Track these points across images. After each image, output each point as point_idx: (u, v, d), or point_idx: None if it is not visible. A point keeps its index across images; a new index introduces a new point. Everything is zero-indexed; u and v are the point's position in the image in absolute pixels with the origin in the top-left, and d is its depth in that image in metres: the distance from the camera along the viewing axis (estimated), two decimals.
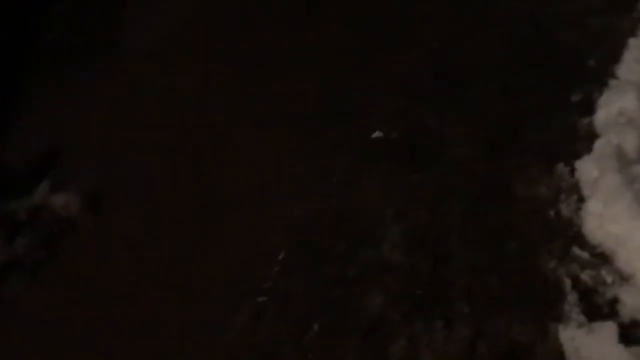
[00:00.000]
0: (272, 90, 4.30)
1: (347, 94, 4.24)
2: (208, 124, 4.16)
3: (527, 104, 4.03)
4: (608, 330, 3.11)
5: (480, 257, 3.48)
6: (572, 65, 4.17)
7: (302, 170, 3.93)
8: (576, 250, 3.43)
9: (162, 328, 3.46)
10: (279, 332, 3.37)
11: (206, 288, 3.60)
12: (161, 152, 4.06)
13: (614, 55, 4.07)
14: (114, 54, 4.47)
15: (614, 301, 3.26)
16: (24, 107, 4.32)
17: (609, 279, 3.32)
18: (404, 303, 3.34)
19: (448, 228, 3.60)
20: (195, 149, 4.06)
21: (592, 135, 3.78)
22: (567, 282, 3.33)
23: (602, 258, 3.39)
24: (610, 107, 3.80)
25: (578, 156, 3.71)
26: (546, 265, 3.42)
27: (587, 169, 3.60)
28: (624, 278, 3.30)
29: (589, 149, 3.71)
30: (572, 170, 3.68)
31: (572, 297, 3.29)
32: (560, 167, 3.71)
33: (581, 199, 3.58)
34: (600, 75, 4.03)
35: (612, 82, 3.93)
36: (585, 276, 3.35)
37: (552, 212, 3.58)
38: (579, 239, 3.47)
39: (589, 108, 3.92)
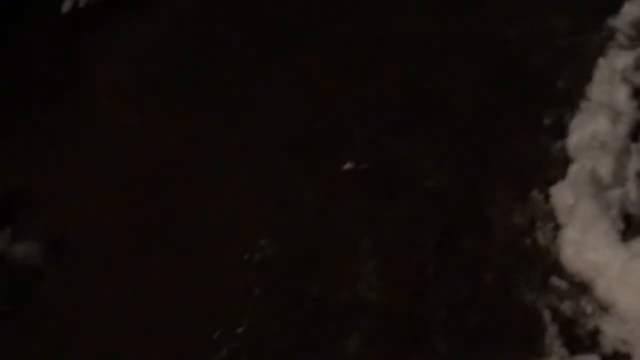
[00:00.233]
0: (238, 123, 4.21)
1: (315, 123, 4.15)
2: (174, 161, 4.05)
3: (498, 129, 3.97)
4: None
5: (457, 292, 3.41)
6: (543, 86, 4.12)
7: (271, 205, 3.83)
8: (555, 280, 3.37)
9: None
10: None
11: (176, 332, 3.49)
12: (126, 192, 3.95)
13: (584, 76, 4.02)
14: (74, 93, 4.34)
15: (595, 332, 3.20)
16: None
17: (589, 309, 3.25)
18: (382, 344, 3.25)
19: (423, 262, 3.53)
20: (160, 187, 3.95)
21: (565, 160, 3.72)
22: (547, 314, 3.27)
23: (582, 287, 3.32)
24: (582, 131, 3.74)
25: (552, 182, 3.65)
26: (525, 298, 3.35)
27: (562, 195, 3.54)
28: (604, 308, 3.24)
29: (563, 175, 3.65)
30: (547, 197, 3.61)
31: (552, 329, 3.22)
32: (535, 194, 3.64)
33: (557, 227, 3.51)
34: (571, 97, 3.98)
35: (584, 104, 3.88)
36: (565, 307, 3.28)
37: (528, 241, 3.52)
38: (557, 268, 3.41)
39: (561, 131, 3.86)
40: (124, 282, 3.65)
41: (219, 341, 3.40)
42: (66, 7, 4.54)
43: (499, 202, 3.67)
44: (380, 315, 3.33)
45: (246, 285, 3.54)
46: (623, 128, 3.70)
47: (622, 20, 4.23)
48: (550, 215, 3.56)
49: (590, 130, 3.71)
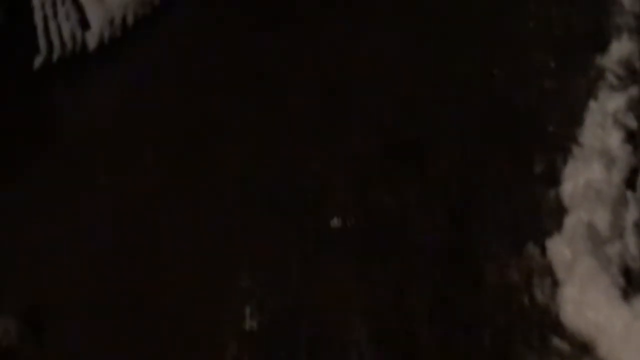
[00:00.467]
0: (218, 179, 4.02)
1: (299, 177, 3.98)
2: (150, 231, 3.80)
3: (488, 177, 3.83)
4: None
5: (452, 355, 3.25)
6: (532, 130, 4.00)
7: (254, 268, 3.66)
8: (555, 341, 3.22)
9: None
10: None
11: None
12: (105, 259, 3.75)
13: (575, 120, 3.91)
14: (49, 149, 4.14)
15: None
16: None
17: None
18: None
19: (416, 322, 3.37)
20: (136, 256, 3.73)
21: (560, 210, 3.60)
22: None
23: (583, 348, 3.18)
24: (576, 179, 3.62)
25: (548, 234, 3.52)
26: (525, 359, 3.20)
27: (559, 249, 3.41)
28: None
29: (558, 226, 3.52)
30: (544, 251, 3.48)
31: None
32: (531, 247, 3.51)
33: (556, 283, 3.38)
34: (562, 142, 3.86)
35: (576, 150, 3.76)
36: None
37: (526, 299, 3.38)
38: (557, 327, 3.27)
39: (553, 179, 3.74)
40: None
41: None
42: (38, 62, 4.37)
43: (494, 256, 3.53)
44: None
45: (232, 356, 3.37)
46: (618, 175, 3.58)
47: (610, 59, 4.13)
48: (547, 270, 3.43)
49: (584, 179, 3.58)
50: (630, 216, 3.46)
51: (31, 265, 3.68)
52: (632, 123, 3.80)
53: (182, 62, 4.65)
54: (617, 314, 3.14)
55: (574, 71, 4.13)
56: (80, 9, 4.52)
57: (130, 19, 4.59)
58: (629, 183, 3.59)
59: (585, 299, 3.22)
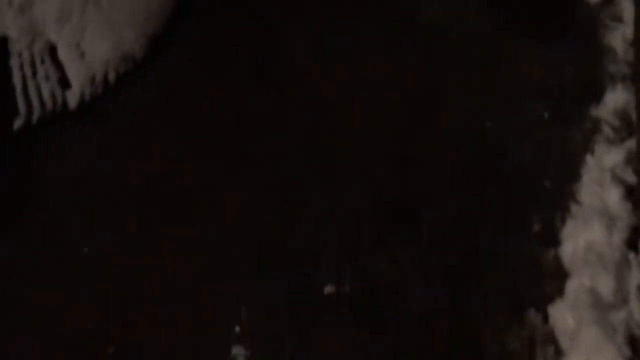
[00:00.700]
0: (204, 245, 3.88)
1: (290, 240, 3.84)
2: (134, 302, 3.66)
3: (485, 239, 3.72)
4: None
5: None
6: (528, 186, 3.89)
7: (245, 338, 3.52)
8: None
9: None
10: None
11: None
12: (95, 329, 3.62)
13: (572, 175, 3.80)
14: (33, 213, 3.99)
15: None
16: None
17: None
18: None
19: None
20: (122, 313, 3.61)
21: (560, 273, 3.49)
22: None
23: None
24: (576, 240, 3.51)
25: (549, 299, 3.42)
26: None
27: (561, 317, 3.30)
28: None
29: (560, 290, 3.42)
30: (545, 317, 3.36)
31: None
32: (532, 314, 3.40)
33: (559, 352, 3.26)
34: (559, 199, 3.74)
35: (574, 208, 3.65)
36: None
37: None
38: None
39: (552, 239, 3.63)
40: None
41: None
42: (18, 123, 4.24)
43: (493, 324, 3.42)
44: None
45: None
46: (619, 236, 3.48)
47: (605, 109, 4.02)
48: (549, 339, 3.31)
49: (584, 240, 3.48)
50: (633, 280, 3.35)
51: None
52: (630, 178, 3.70)
53: (166, 118, 4.51)
54: None
55: (569, 122, 4.02)
56: (60, 68, 4.39)
57: (112, 76, 4.46)
58: (631, 244, 3.48)
59: None
